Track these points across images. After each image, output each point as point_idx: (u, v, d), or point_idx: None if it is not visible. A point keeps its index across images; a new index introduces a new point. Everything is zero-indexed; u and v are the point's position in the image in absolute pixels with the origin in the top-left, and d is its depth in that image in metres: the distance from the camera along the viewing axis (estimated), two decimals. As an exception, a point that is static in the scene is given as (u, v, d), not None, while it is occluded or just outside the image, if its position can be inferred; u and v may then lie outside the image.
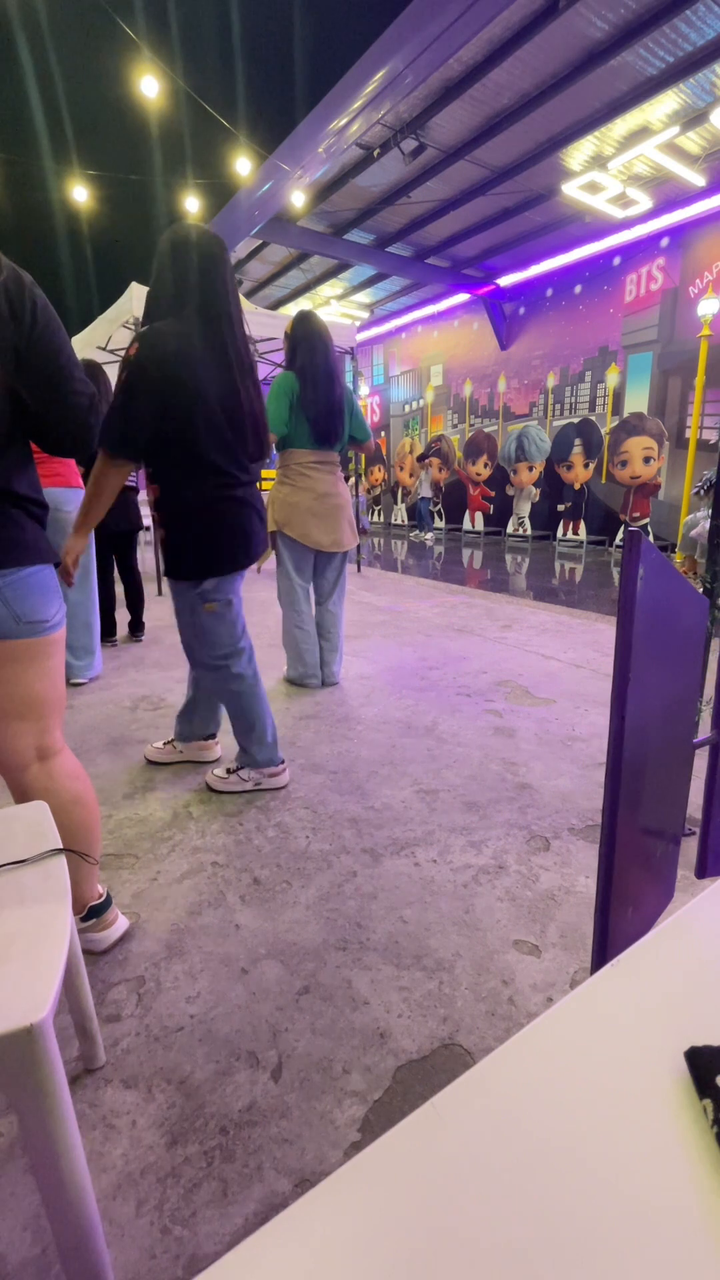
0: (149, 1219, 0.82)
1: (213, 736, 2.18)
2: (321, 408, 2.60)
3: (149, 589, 4.88)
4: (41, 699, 1.11)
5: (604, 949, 0.69)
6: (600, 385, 9.06)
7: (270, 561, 2.91)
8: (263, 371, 7.45)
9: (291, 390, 2.56)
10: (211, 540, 1.68)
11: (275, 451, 2.77)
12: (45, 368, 1.01)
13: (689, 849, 1.44)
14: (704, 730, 1.47)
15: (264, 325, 5.38)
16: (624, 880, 0.71)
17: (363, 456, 7.95)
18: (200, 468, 1.63)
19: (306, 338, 2.59)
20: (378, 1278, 0.28)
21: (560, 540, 9.27)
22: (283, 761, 1.98)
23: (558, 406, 9.79)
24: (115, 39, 5.37)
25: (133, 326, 4.73)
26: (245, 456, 1.73)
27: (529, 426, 9.88)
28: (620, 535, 8.50)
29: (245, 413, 1.69)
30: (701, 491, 6.33)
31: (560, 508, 9.27)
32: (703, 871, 1.03)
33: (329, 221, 8.67)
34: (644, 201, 7.53)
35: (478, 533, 10.88)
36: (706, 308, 6.36)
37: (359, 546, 6.77)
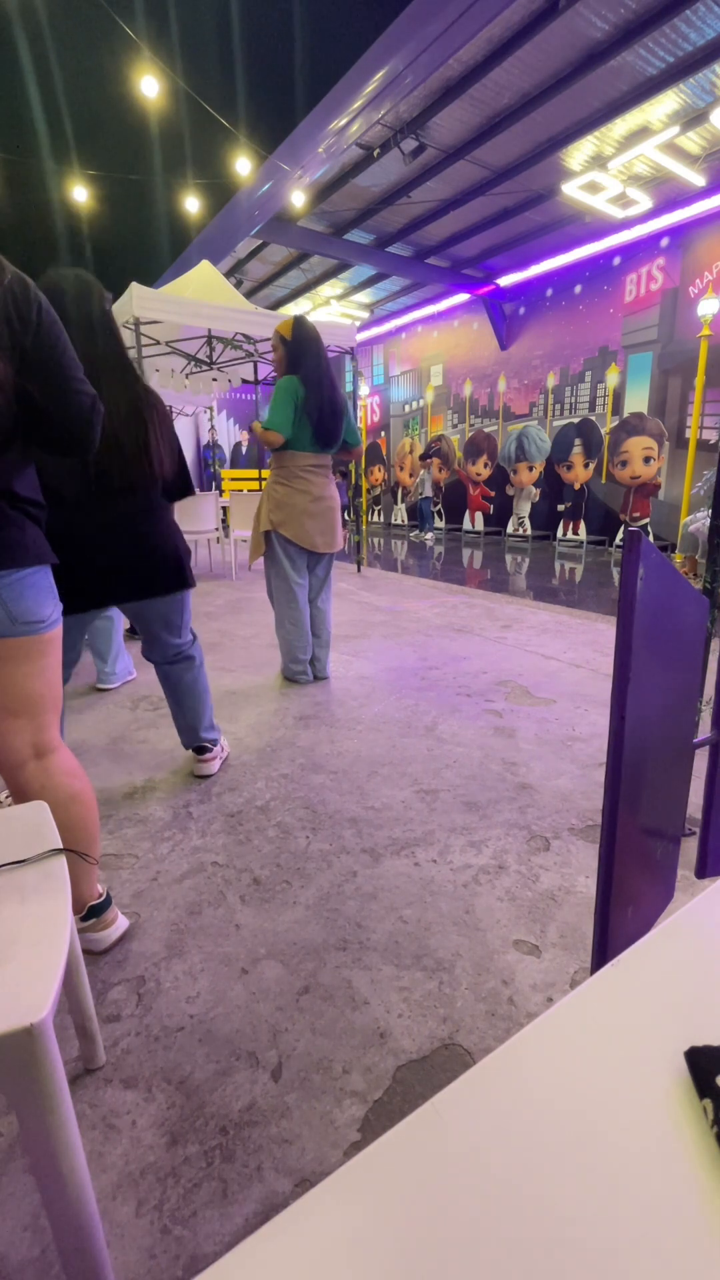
0: (149, 1219, 0.82)
1: (203, 750, 2.05)
2: (326, 411, 2.65)
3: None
4: (37, 696, 1.11)
5: (604, 949, 0.69)
6: (600, 385, 9.05)
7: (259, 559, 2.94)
8: (262, 372, 7.44)
9: (297, 394, 2.58)
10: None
11: (269, 452, 2.81)
12: (49, 368, 1.04)
13: (689, 849, 1.44)
14: (704, 730, 1.47)
15: (264, 326, 5.38)
16: (624, 880, 0.71)
17: (363, 458, 7.96)
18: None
19: (309, 341, 2.63)
20: (378, 1278, 0.28)
21: (560, 540, 9.27)
22: None
23: (558, 406, 9.78)
24: (115, 39, 5.36)
25: (132, 326, 4.73)
26: (108, 485, 1.60)
27: (529, 426, 9.87)
28: (620, 535, 8.49)
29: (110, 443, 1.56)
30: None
31: (560, 508, 9.27)
32: (703, 871, 1.03)
33: (329, 221, 8.66)
34: (644, 201, 7.53)
35: (478, 533, 10.88)
36: (706, 308, 6.35)
37: (358, 545, 6.77)
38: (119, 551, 1.67)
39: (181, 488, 1.85)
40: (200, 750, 2.06)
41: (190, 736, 2.04)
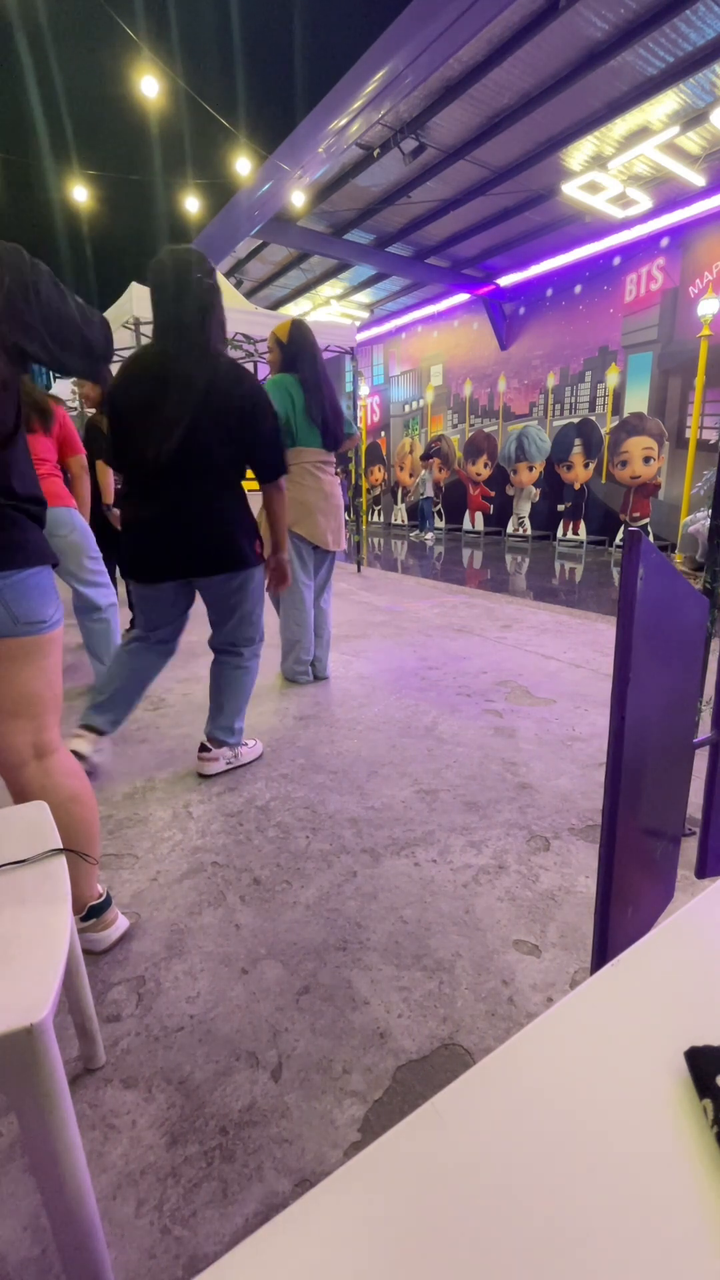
0: (149, 1219, 0.82)
1: (205, 748, 2.06)
2: (331, 411, 2.72)
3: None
4: (38, 697, 1.11)
5: (604, 949, 0.69)
6: (600, 385, 9.05)
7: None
8: (262, 372, 7.44)
9: (290, 390, 2.63)
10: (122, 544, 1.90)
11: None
12: (61, 327, 1.05)
13: (689, 849, 1.44)
14: (704, 730, 1.47)
15: (264, 326, 5.38)
16: (624, 880, 0.71)
17: (363, 458, 7.96)
18: (125, 481, 1.87)
19: (306, 345, 2.68)
20: (378, 1277, 0.28)
21: (560, 540, 9.27)
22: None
23: (558, 406, 9.78)
24: (115, 39, 5.37)
25: (132, 327, 4.73)
26: (154, 470, 1.75)
27: (529, 426, 9.87)
28: (620, 535, 8.49)
29: (168, 426, 1.71)
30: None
31: (560, 508, 9.27)
32: (703, 871, 1.03)
33: (329, 221, 8.66)
34: (644, 201, 7.53)
35: (478, 533, 10.88)
36: (706, 308, 6.35)
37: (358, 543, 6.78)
38: (171, 531, 1.80)
39: (274, 467, 1.92)
40: (203, 747, 2.06)
41: (210, 725, 2.09)
